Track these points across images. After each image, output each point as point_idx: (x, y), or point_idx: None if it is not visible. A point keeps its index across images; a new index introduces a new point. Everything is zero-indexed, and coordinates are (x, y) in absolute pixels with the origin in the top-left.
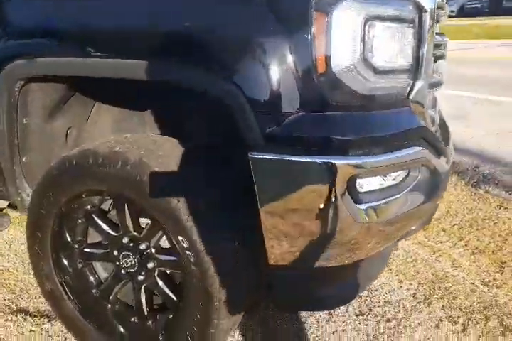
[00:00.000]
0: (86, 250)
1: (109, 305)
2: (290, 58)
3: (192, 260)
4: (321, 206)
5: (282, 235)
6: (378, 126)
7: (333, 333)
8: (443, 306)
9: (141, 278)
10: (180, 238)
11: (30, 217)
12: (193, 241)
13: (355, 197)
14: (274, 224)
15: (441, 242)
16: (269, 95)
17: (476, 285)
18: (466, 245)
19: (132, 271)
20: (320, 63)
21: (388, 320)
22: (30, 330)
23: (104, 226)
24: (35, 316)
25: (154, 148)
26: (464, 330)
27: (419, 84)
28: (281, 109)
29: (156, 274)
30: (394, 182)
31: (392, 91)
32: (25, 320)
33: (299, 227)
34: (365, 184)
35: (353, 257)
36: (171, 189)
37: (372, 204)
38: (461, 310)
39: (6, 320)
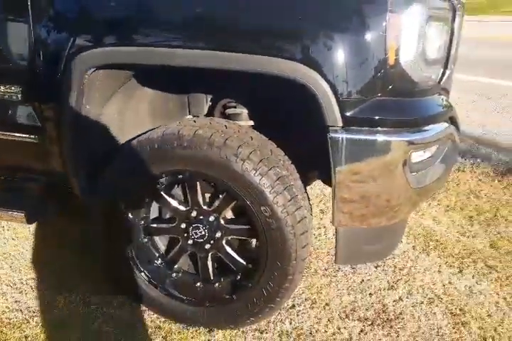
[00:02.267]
0: (152, 225)
1: (174, 274)
2: (367, 53)
3: (273, 227)
4: (386, 175)
5: (352, 200)
6: (425, 107)
7: (360, 282)
8: (439, 254)
9: (208, 246)
10: (262, 208)
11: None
12: (275, 210)
13: (411, 167)
14: (346, 190)
15: None
16: (350, 84)
17: (458, 237)
18: (439, 204)
19: (201, 241)
20: (391, 57)
21: (401, 269)
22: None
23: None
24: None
25: (234, 132)
26: (460, 272)
27: (447, 72)
28: (358, 95)
29: (224, 242)
30: (431, 154)
31: (432, 79)
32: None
33: (366, 193)
34: (416, 156)
35: (398, 218)
36: (257, 167)
37: (419, 172)
38: (453, 256)
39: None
